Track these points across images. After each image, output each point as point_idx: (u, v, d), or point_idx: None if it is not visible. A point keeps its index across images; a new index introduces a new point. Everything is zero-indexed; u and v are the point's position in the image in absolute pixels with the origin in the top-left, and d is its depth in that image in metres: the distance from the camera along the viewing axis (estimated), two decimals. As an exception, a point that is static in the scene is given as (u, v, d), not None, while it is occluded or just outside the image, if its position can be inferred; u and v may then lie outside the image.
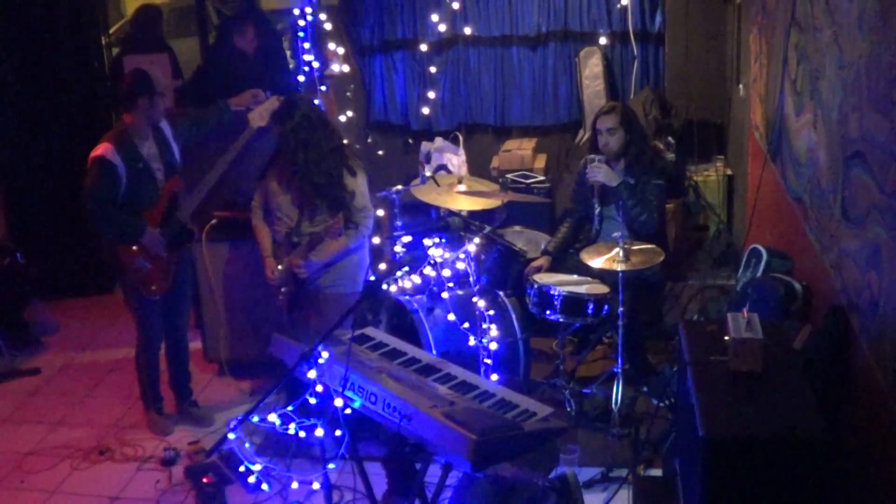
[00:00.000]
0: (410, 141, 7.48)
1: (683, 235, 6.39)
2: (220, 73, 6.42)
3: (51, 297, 6.71)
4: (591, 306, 4.86)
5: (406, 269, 4.80)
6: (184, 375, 5.30)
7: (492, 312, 4.69)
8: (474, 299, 4.70)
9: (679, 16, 6.70)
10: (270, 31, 6.94)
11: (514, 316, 4.95)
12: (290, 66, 6.75)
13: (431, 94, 7.00)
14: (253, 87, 5.30)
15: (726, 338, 3.23)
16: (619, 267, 4.63)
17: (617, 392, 4.81)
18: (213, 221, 5.39)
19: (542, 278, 5.07)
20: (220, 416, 5.21)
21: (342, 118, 5.94)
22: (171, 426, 5.17)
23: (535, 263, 5.30)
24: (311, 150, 4.73)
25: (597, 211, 5.28)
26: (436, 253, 4.79)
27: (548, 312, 4.92)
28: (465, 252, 4.82)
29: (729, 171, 6.61)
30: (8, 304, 6.28)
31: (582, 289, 4.94)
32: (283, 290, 4.91)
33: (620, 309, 4.72)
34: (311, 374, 3.64)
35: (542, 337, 5.47)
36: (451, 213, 5.49)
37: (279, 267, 4.87)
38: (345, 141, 5.02)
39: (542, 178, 6.64)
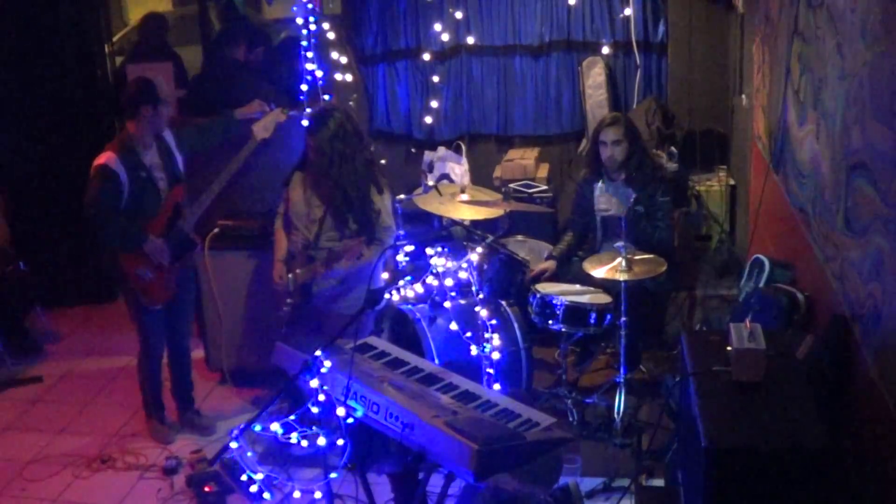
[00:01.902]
0: (413, 150, 7.47)
1: (686, 245, 6.38)
2: (216, 84, 6.42)
3: (53, 305, 6.71)
4: (593, 316, 4.86)
5: (408, 278, 4.80)
6: (186, 384, 5.30)
7: (494, 322, 4.68)
8: (477, 309, 4.69)
9: (682, 25, 6.71)
10: (263, 43, 6.94)
11: (516, 325, 4.94)
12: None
13: (434, 104, 7.01)
14: (249, 99, 5.30)
15: (728, 348, 3.23)
16: (622, 277, 4.63)
17: (619, 402, 4.81)
18: (216, 231, 5.39)
19: (545, 288, 5.07)
20: (223, 425, 5.21)
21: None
22: (173, 435, 5.17)
23: (541, 266, 5.31)
24: (345, 163, 4.68)
25: (598, 220, 5.29)
26: (438, 262, 4.77)
27: (550, 322, 4.93)
28: (468, 261, 4.81)
29: (731, 181, 6.60)
30: (10, 313, 6.28)
31: (584, 298, 4.95)
32: (288, 301, 4.89)
33: (623, 319, 4.72)
34: (314, 383, 3.64)
35: (545, 347, 5.48)
36: (454, 222, 5.49)
37: (289, 276, 4.84)
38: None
39: (544, 187, 6.64)
